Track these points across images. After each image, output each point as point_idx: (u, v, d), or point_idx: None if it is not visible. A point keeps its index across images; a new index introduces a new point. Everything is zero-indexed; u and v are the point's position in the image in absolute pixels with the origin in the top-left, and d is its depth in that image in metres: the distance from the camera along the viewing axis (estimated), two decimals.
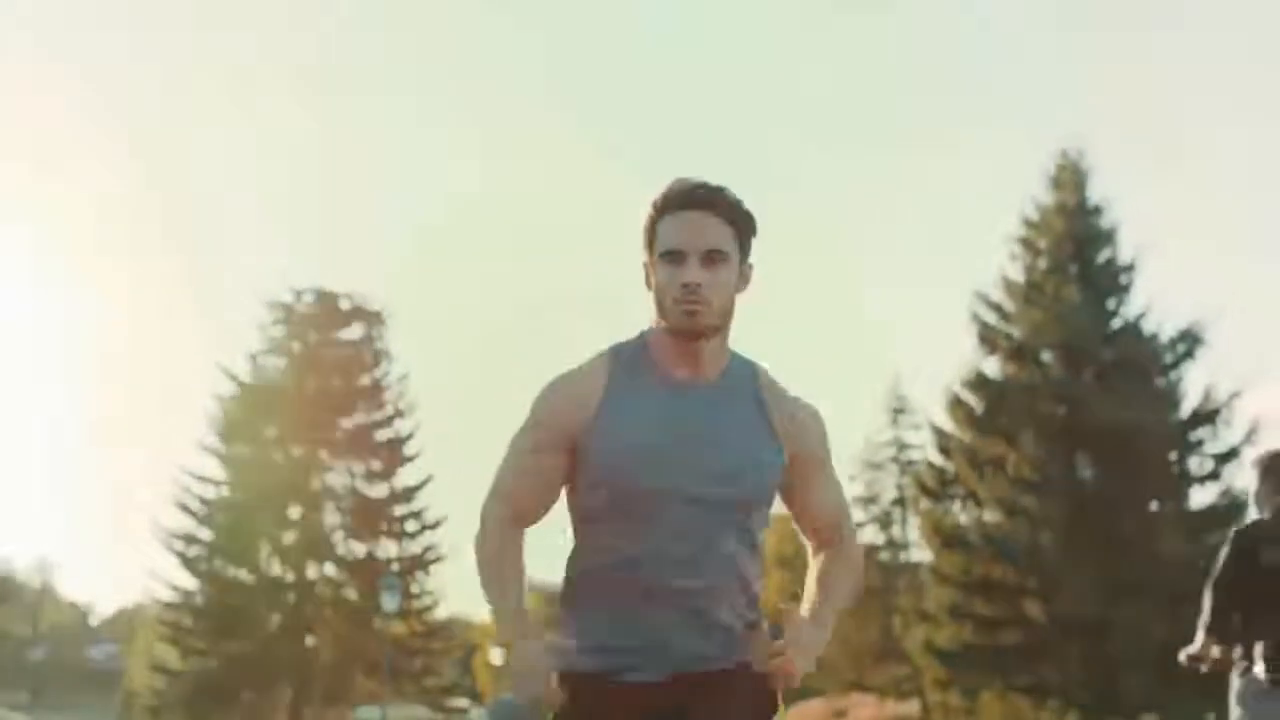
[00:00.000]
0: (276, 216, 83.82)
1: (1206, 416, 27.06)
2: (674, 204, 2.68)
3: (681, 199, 2.68)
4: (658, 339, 2.74)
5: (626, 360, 2.74)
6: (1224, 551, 5.35)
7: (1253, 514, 5.74)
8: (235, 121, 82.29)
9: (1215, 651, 5.32)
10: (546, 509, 2.78)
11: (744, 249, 2.72)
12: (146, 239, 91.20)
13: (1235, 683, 5.27)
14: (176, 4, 77.79)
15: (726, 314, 2.70)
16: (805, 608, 2.81)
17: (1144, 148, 68.77)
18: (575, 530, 2.76)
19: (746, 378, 2.76)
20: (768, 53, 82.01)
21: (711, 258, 2.65)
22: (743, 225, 2.71)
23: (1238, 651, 5.27)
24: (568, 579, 2.78)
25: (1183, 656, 5.53)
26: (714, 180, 2.73)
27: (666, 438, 2.65)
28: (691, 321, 2.64)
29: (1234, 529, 5.47)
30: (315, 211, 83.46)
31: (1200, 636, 5.32)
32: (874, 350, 74.44)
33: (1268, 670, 5.09)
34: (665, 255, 2.66)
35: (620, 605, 2.69)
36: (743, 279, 2.73)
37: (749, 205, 2.74)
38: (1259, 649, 5.16)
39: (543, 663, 2.64)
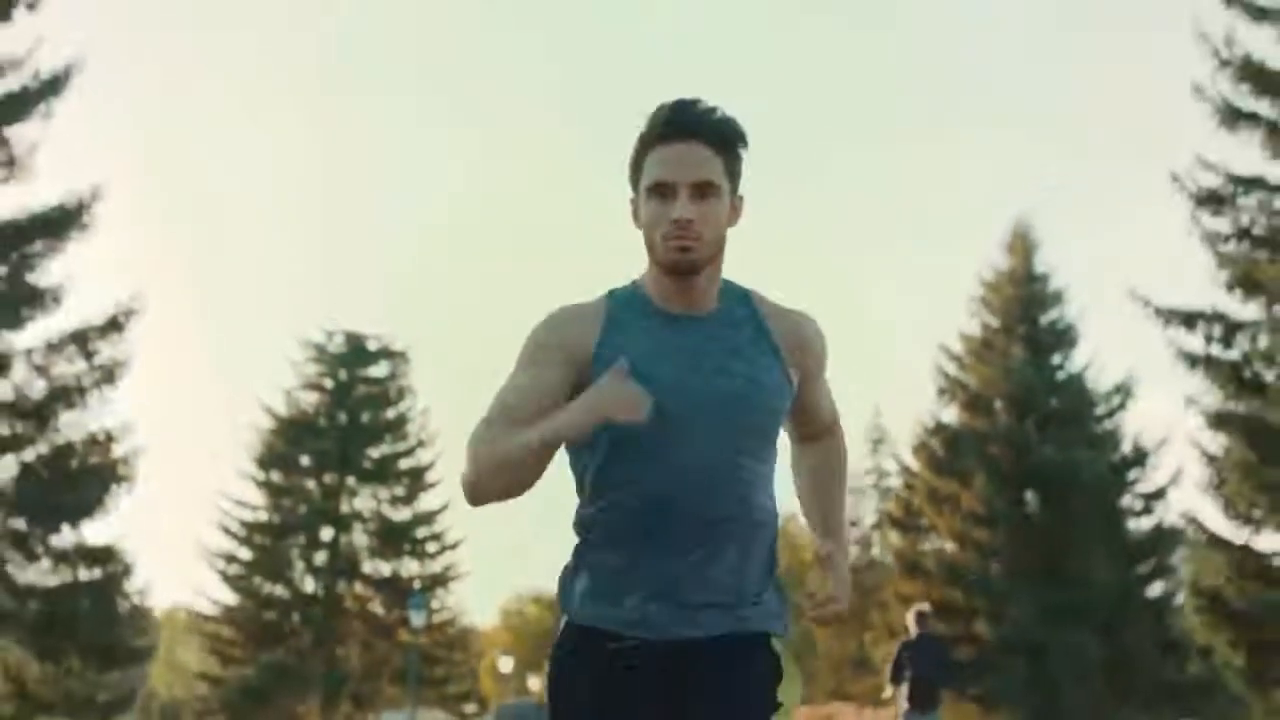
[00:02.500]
0: (279, 222, 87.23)
1: (1137, 460, 31.78)
2: (661, 135, 2.64)
3: (668, 129, 2.64)
4: (651, 278, 2.71)
5: (622, 299, 2.73)
6: (895, 651, 10.88)
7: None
8: (238, 124, 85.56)
9: (895, 694, 10.85)
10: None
11: (734, 179, 2.68)
12: (145, 238, 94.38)
13: (899, 711, 10.86)
14: (180, 5, 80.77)
15: (718, 247, 2.67)
16: (815, 519, 2.94)
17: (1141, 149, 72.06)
18: (581, 475, 2.72)
19: (741, 303, 2.75)
20: (768, 54, 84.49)
21: (701, 190, 2.62)
22: (733, 154, 2.67)
23: (900, 692, 10.81)
24: (577, 530, 2.73)
25: (883, 696, 11.33)
26: (704, 103, 2.66)
27: (667, 366, 2.62)
28: (683, 257, 2.62)
29: (900, 641, 11.10)
30: (319, 217, 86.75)
31: (889, 687, 10.74)
32: (871, 352, 78.11)
33: (908, 702, 10.69)
34: (653, 189, 2.63)
35: (627, 549, 2.64)
36: (734, 210, 2.70)
37: (742, 129, 2.68)
38: (904, 691, 10.71)
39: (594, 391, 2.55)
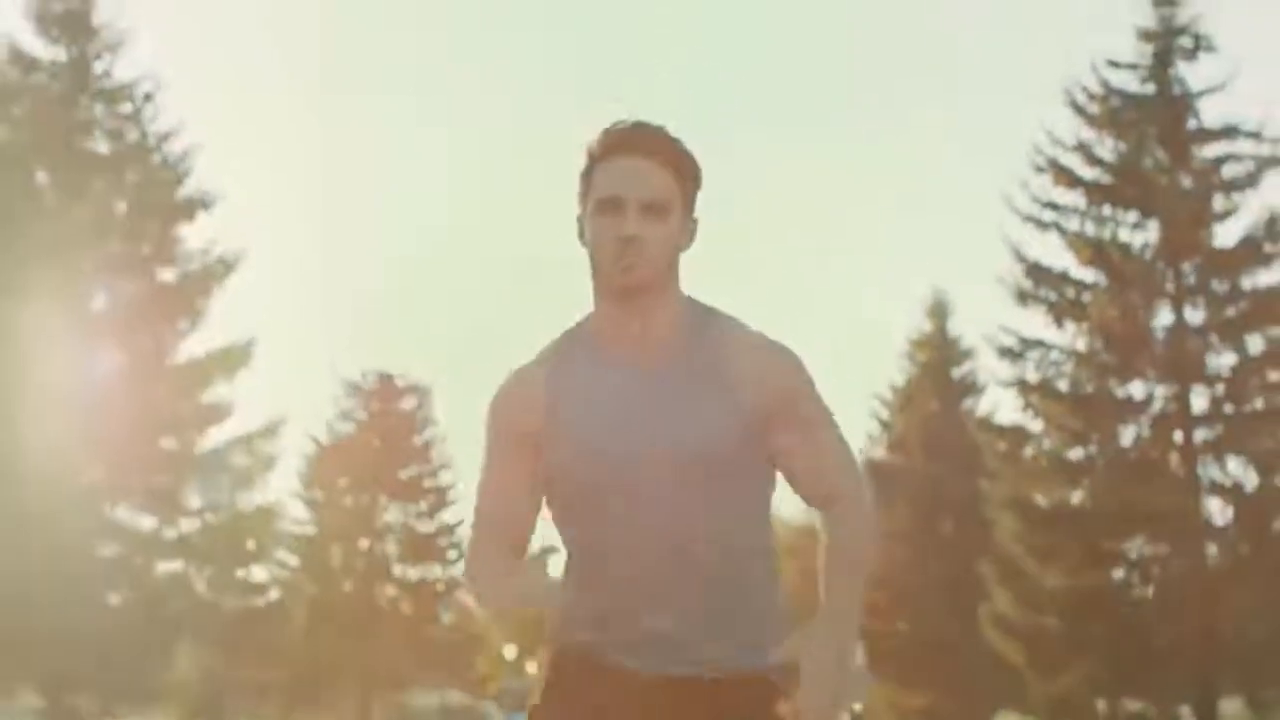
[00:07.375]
0: (282, 228, 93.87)
1: None
2: (611, 149, 2.66)
3: (619, 144, 2.66)
4: (597, 310, 2.73)
5: (570, 345, 2.75)
6: None
7: None
8: (239, 126, 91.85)
9: None
10: (532, 523, 2.83)
11: (688, 200, 2.70)
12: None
13: None
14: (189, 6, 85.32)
15: (669, 270, 2.68)
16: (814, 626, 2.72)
17: None
18: (556, 527, 2.82)
19: (700, 335, 2.72)
20: (768, 52, 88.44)
21: (652, 208, 2.62)
22: (687, 173, 2.69)
23: None
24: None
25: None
26: (657, 122, 2.69)
27: (602, 426, 2.67)
28: (628, 278, 2.63)
29: None
30: (323, 229, 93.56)
31: None
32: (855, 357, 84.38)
33: None
34: (601, 205, 2.64)
35: (599, 599, 2.73)
36: (687, 234, 2.71)
37: (697, 154, 2.70)
38: None
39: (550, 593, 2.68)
